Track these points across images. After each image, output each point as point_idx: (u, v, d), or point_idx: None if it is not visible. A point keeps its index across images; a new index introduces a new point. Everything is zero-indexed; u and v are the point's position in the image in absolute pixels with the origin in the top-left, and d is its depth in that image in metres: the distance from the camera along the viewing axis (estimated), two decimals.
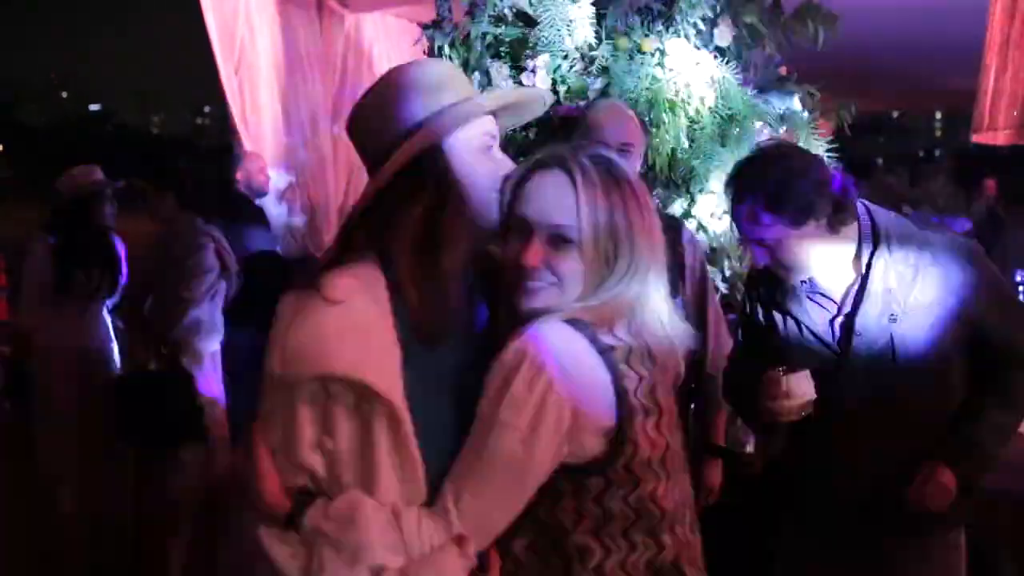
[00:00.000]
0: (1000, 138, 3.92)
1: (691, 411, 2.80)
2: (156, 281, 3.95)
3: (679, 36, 2.85)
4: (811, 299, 2.17)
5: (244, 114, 5.66)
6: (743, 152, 2.86)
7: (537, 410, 1.36)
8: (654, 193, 2.93)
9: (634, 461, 1.42)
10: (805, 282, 2.16)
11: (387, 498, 1.36)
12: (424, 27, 3.19)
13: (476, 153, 1.48)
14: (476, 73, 2.95)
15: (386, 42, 6.52)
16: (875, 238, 2.11)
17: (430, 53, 3.16)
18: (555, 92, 2.87)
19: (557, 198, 1.44)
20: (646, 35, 2.86)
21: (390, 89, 1.50)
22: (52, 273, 4.03)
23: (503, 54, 2.93)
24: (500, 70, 2.87)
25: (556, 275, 1.44)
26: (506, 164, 1.51)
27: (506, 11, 2.89)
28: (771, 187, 2.02)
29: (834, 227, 2.06)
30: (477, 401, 1.41)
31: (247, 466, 1.42)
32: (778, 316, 2.24)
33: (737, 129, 2.84)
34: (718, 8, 2.90)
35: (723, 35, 2.84)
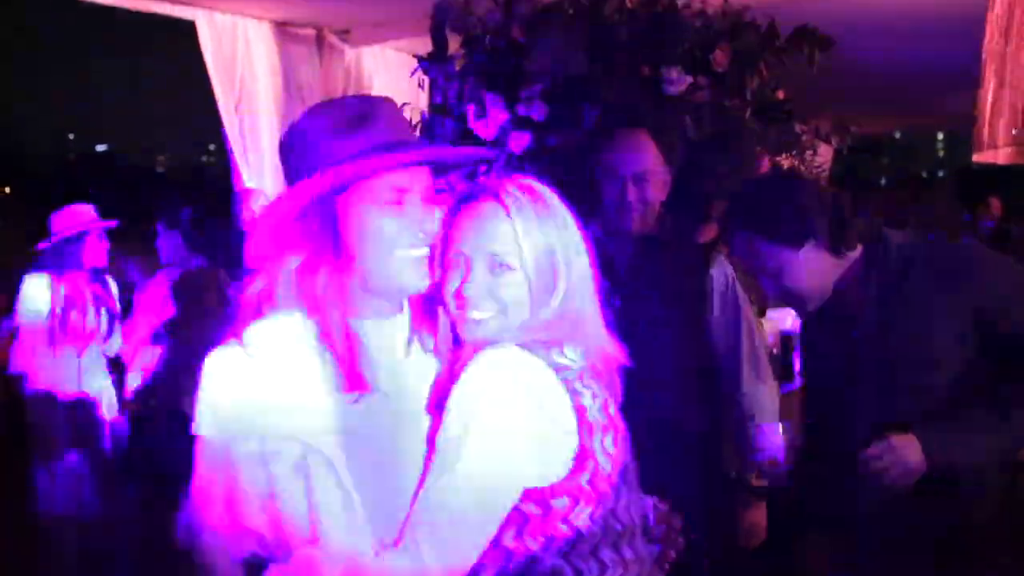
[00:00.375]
0: (1001, 157, 3.91)
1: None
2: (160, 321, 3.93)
3: (675, 62, 2.84)
4: (829, 327, 2.14)
5: (245, 150, 5.67)
6: (743, 177, 2.85)
7: (502, 436, 1.36)
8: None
9: (596, 477, 1.43)
10: (822, 310, 2.12)
11: (324, 543, 1.34)
12: (420, 59, 3.20)
13: (377, 208, 1.43)
14: (472, 104, 2.95)
15: (386, 75, 6.53)
16: (882, 259, 2.08)
17: (429, 85, 3.16)
18: (550, 122, 2.87)
19: (492, 226, 1.46)
20: (642, 62, 2.85)
21: (299, 132, 1.47)
22: (47, 314, 4.02)
23: (498, 85, 2.92)
24: (495, 101, 2.86)
25: (499, 302, 1.45)
26: (416, 217, 1.45)
27: (501, 42, 2.89)
28: (760, 212, 2.03)
29: (836, 250, 2.05)
30: (421, 439, 1.41)
31: (192, 543, 1.38)
32: (811, 353, 2.22)
33: (737, 155, 2.82)
34: (714, 33, 2.90)
35: (719, 60, 2.83)
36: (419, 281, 1.47)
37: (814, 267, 2.06)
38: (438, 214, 1.48)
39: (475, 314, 1.46)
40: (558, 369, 1.42)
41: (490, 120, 2.85)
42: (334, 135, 1.43)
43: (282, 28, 5.90)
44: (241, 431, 1.34)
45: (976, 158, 3.96)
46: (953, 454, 1.99)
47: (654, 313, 2.52)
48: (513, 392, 1.37)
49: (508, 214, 1.46)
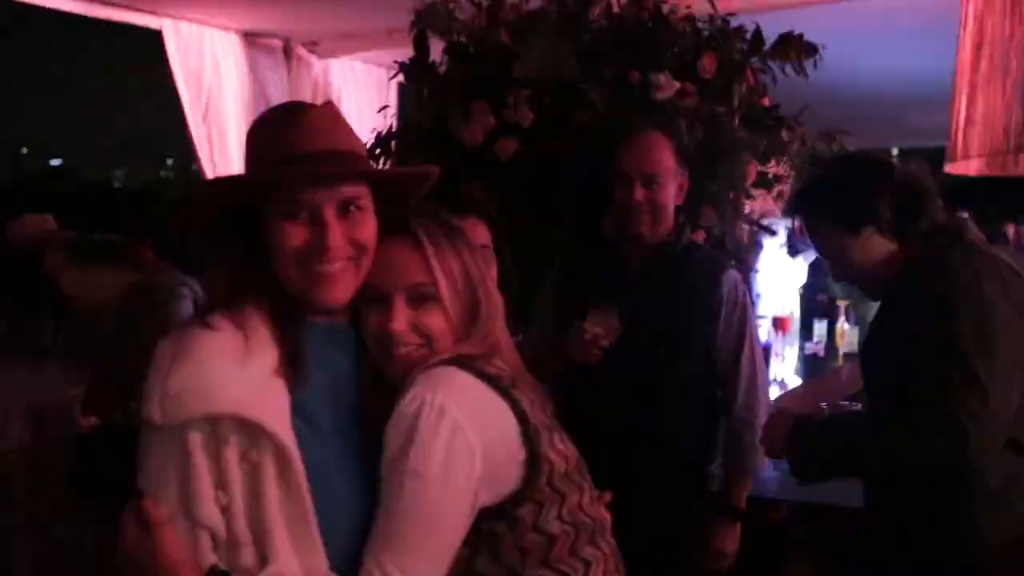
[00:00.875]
0: (972, 168, 3.97)
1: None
2: (128, 333, 3.83)
3: (663, 68, 2.82)
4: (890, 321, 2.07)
5: (213, 161, 5.61)
6: (732, 185, 2.84)
7: (447, 454, 1.33)
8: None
9: (554, 476, 1.42)
10: (885, 302, 2.07)
11: (283, 558, 1.28)
12: (401, 65, 3.13)
13: (283, 220, 1.38)
14: (456, 110, 2.89)
15: (355, 88, 6.51)
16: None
17: (410, 91, 3.10)
18: (537, 129, 2.83)
19: (409, 258, 1.45)
20: (630, 67, 2.83)
21: (247, 135, 1.45)
22: (2, 326, 3.88)
23: (484, 91, 2.87)
24: (481, 107, 2.81)
25: (424, 335, 1.44)
26: (327, 232, 1.38)
27: (487, 47, 2.85)
28: (817, 193, 2.00)
29: (901, 237, 1.99)
30: (366, 456, 1.37)
31: (146, 546, 1.27)
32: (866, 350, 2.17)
33: (726, 162, 2.81)
34: (701, 39, 2.88)
35: (706, 67, 2.82)
36: (334, 295, 1.41)
37: (874, 254, 2.00)
38: (364, 231, 1.43)
39: (401, 350, 1.44)
40: (491, 379, 1.41)
41: (476, 126, 2.80)
42: (258, 141, 1.41)
43: (249, 39, 5.85)
44: (193, 413, 1.27)
45: (948, 169, 4.01)
46: (813, 443, 1.99)
47: (662, 321, 2.48)
48: (452, 408, 1.35)
49: (422, 245, 1.45)
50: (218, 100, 5.65)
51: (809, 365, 5.31)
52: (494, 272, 1.83)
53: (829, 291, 6.44)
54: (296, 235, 1.38)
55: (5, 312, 3.88)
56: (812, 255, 5.98)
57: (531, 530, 1.38)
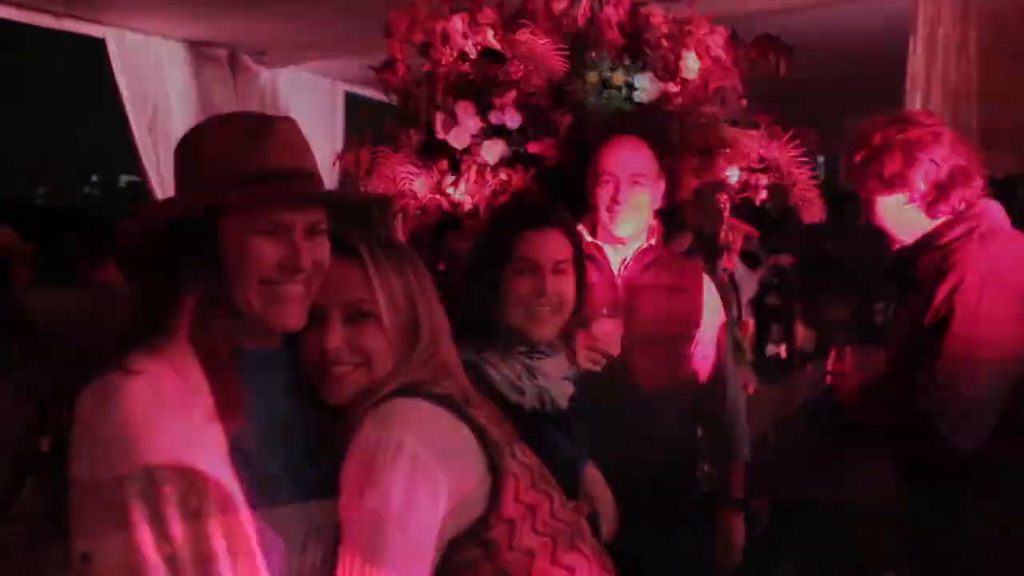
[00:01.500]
0: None
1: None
2: (88, 351, 3.68)
3: (647, 69, 2.83)
4: (904, 278, 2.16)
5: (159, 173, 5.52)
6: (717, 185, 2.85)
7: (407, 491, 1.29)
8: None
9: (520, 490, 1.40)
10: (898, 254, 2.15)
11: None
12: (378, 69, 3.07)
13: (253, 235, 1.33)
14: (440, 113, 2.85)
15: (303, 99, 6.46)
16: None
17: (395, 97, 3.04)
18: (524, 130, 2.80)
19: (348, 274, 1.42)
20: (614, 69, 2.83)
21: (192, 141, 1.39)
22: None
23: (469, 92, 2.84)
24: (466, 109, 2.78)
25: (361, 354, 1.41)
26: (293, 252, 1.35)
27: (469, 47, 2.81)
28: (869, 143, 2.08)
29: (932, 209, 2.05)
30: (316, 493, 1.34)
31: None
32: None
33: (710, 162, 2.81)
34: (683, 40, 2.89)
35: (689, 67, 2.83)
36: (289, 319, 1.37)
37: (899, 217, 2.08)
38: (323, 253, 1.40)
39: (338, 370, 1.40)
40: (442, 401, 1.39)
41: (462, 129, 2.77)
42: (223, 151, 1.34)
43: (195, 48, 5.76)
44: (127, 466, 1.21)
45: None
46: None
47: (645, 327, 2.47)
48: (409, 440, 1.32)
49: (362, 261, 1.43)
50: (164, 111, 5.58)
51: (771, 366, 5.40)
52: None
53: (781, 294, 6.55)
54: (269, 252, 1.33)
55: None
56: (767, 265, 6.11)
57: (508, 549, 1.36)
